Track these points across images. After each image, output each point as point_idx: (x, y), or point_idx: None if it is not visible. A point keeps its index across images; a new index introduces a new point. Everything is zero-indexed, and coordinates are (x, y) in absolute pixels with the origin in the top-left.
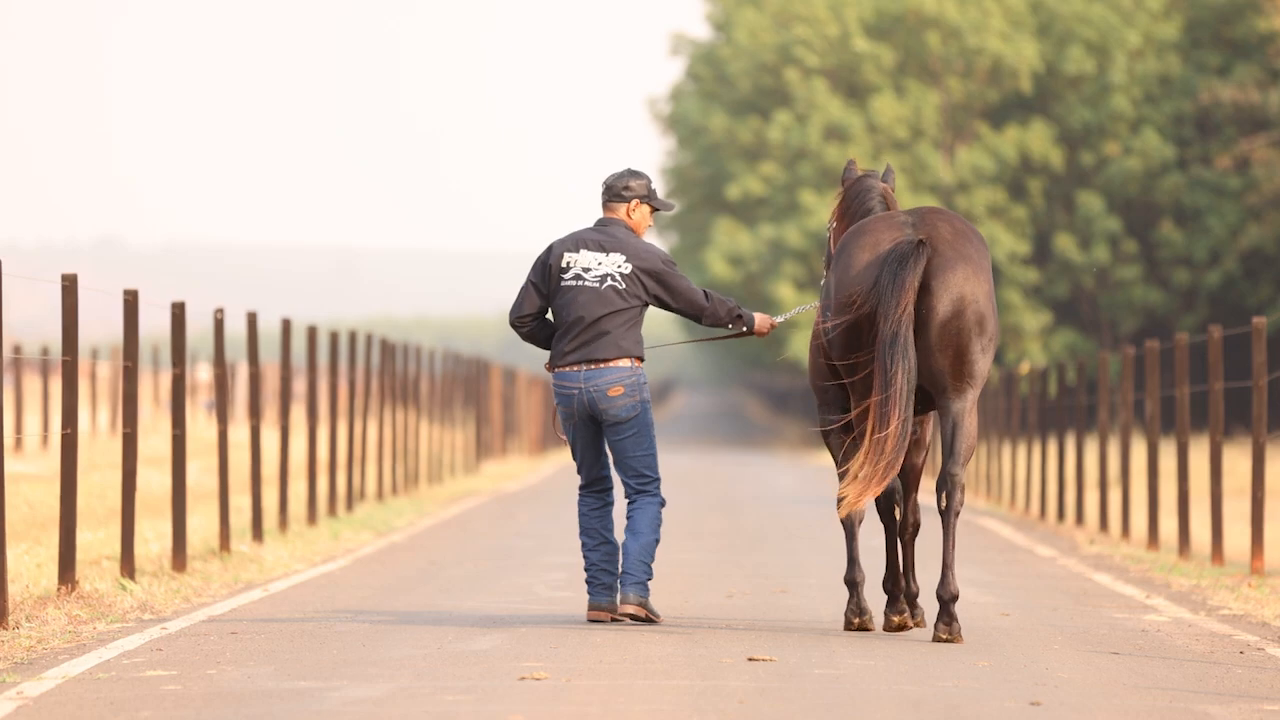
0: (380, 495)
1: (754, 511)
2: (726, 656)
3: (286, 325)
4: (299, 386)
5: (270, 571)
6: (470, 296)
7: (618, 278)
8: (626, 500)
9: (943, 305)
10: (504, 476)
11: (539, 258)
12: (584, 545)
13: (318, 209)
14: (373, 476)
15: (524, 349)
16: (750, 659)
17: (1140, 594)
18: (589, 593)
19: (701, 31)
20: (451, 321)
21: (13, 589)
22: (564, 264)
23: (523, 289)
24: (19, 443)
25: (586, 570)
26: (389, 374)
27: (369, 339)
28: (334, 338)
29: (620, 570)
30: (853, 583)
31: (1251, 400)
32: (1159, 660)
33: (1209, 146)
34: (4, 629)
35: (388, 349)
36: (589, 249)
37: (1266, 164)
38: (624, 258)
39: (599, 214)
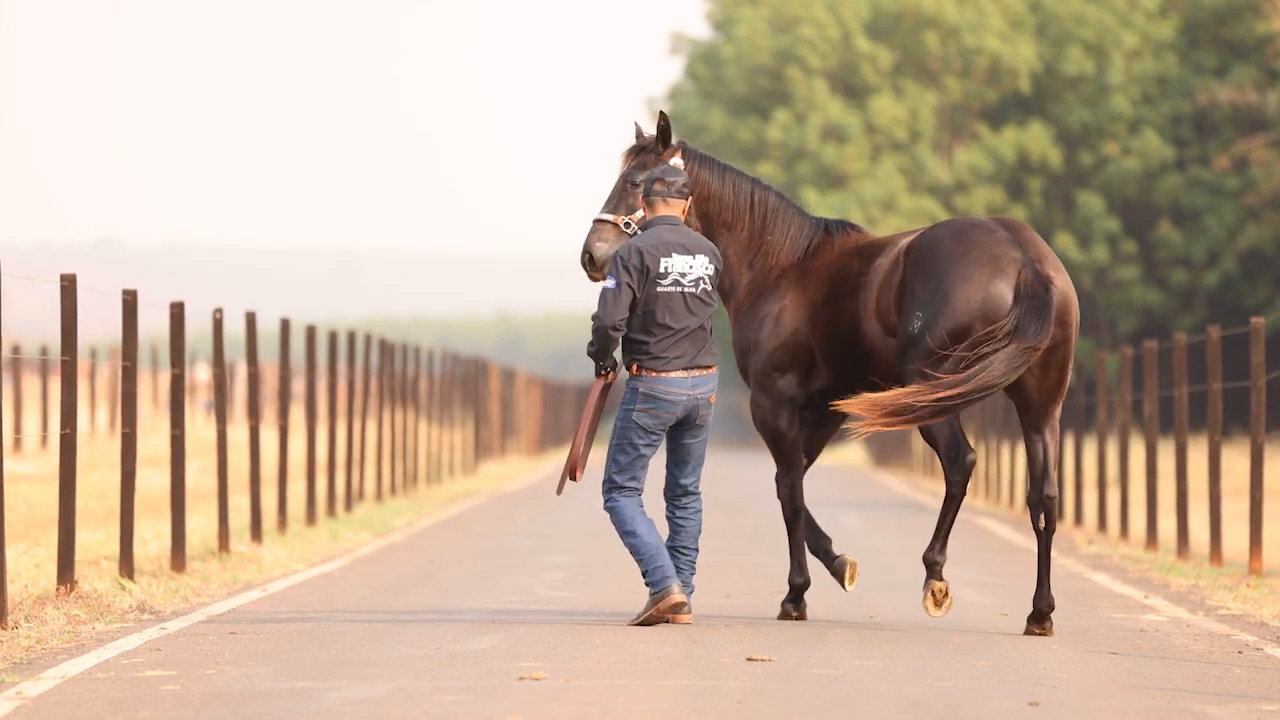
0: (379, 495)
1: (753, 511)
2: (725, 656)
3: (285, 325)
4: (298, 386)
5: (269, 571)
6: (469, 297)
7: (707, 280)
8: (674, 500)
9: (1056, 334)
10: (503, 477)
11: (628, 262)
12: (650, 539)
13: (317, 209)
14: (371, 477)
15: (522, 349)
16: (749, 659)
17: (1139, 594)
18: (669, 574)
19: (701, 31)
20: (450, 322)
21: (12, 589)
22: (661, 269)
23: (615, 291)
24: (18, 443)
25: (664, 564)
26: (388, 374)
27: (368, 339)
28: (333, 338)
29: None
30: (806, 585)
31: (1250, 400)
32: (1157, 660)
33: (1207, 147)
34: (3, 629)
35: (387, 349)
36: (678, 253)
37: (1264, 164)
38: (706, 259)
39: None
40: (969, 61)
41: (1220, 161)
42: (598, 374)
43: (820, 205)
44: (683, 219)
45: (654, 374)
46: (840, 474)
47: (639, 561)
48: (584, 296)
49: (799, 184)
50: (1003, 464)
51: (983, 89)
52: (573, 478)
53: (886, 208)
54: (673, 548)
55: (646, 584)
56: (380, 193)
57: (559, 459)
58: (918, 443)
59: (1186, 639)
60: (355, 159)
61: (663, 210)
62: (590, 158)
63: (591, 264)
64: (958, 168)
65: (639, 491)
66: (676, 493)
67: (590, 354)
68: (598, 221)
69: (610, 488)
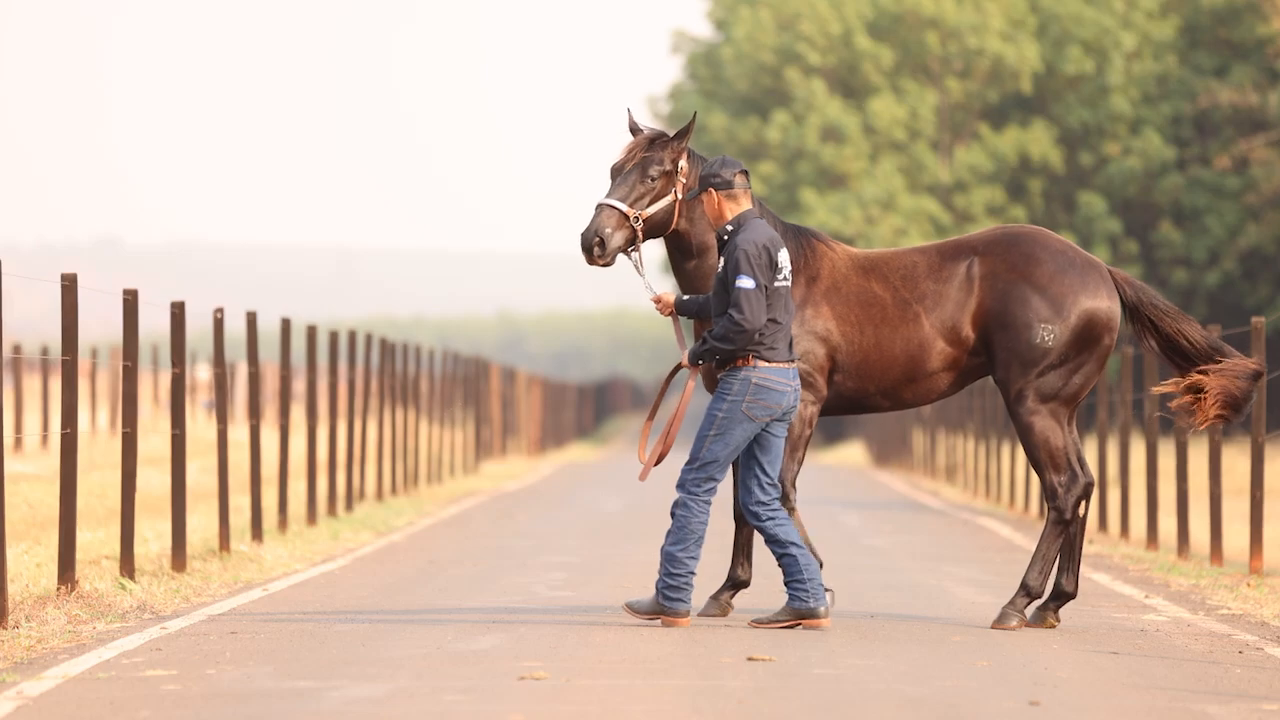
0: (380, 495)
1: None
2: (726, 656)
3: (286, 325)
4: (298, 386)
5: (270, 571)
6: (469, 297)
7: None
8: (762, 505)
9: None
10: (503, 476)
11: (759, 261)
12: (693, 563)
13: (317, 209)
14: (372, 476)
15: (522, 349)
16: (749, 658)
17: (1139, 594)
18: (686, 599)
19: (703, 29)
20: (450, 321)
21: (12, 589)
22: (779, 265)
23: (755, 293)
24: (19, 443)
25: (688, 585)
26: (388, 374)
27: (368, 339)
28: (333, 337)
29: (817, 579)
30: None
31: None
32: (1158, 660)
33: (1208, 147)
34: (4, 629)
35: (387, 349)
36: (781, 246)
37: (1265, 164)
38: (786, 251)
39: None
40: (970, 62)
41: (1221, 161)
42: (694, 363)
43: (819, 205)
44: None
45: (767, 364)
46: (840, 473)
47: (671, 571)
48: (584, 296)
49: (798, 184)
50: (1003, 464)
51: (984, 89)
52: (656, 463)
53: (886, 207)
54: (792, 548)
55: (663, 591)
56: (380, 193)
57: (559, 459)
58: (918, 443)
59: (1187, 639)
60: (355, 159)
61: (746, 203)
62: (591, 158)
63: (601, 248)
64: (958, 167)
65: (715, 492)
66: (770, 494)
67: (723, 351)
68: (607, 207)
69: (702, 479)
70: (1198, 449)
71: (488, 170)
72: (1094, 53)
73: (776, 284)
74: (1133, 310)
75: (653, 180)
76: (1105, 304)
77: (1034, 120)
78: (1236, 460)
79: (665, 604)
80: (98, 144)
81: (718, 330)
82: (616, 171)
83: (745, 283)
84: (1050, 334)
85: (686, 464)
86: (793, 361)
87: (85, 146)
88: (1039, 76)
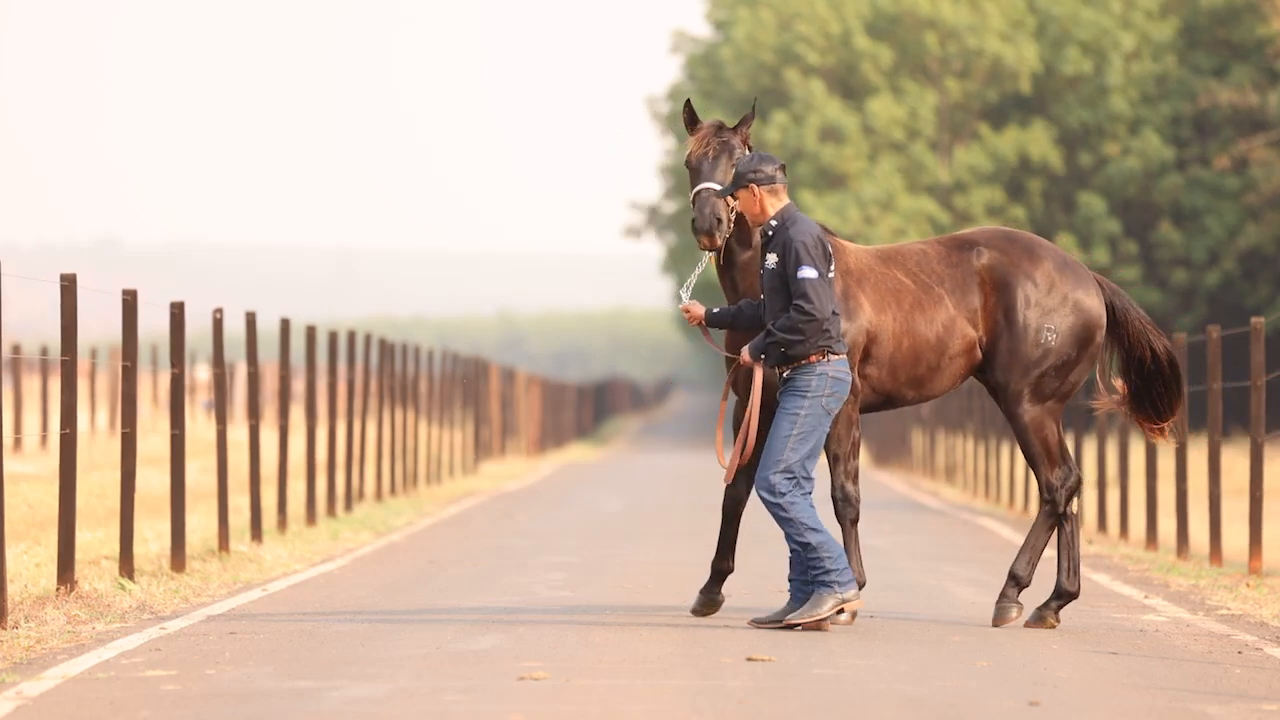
0: (379, 495)
1: (753, 511)
2: (725, 656)
3: (285, 325)
4: (298, 386)
5: (269, 571)
6: (469, 297)
7: None
8: (806, 495)
9: None
10: (503, 476)
11: (816, 251)
12: (834, 537)
13: (317, 209)
14: (371, 476)
15: (522, 349)
16: (749, 659)
17: (1139, 594)
18: (851, 576)
19: (703, 29)
20: (450, 322)
21: (12, 589)
22: (830, 255)
23: (820, 282)
24: (18, 443)
25: (841, 554)
26: (388, 374)
27: (368, 339)
28: (333, 338)
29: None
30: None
31: (1250, 400)
32: (1157, 660)
33: (1207, 147)
34: (3, 629)
35: (386, 349)
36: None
37: (1264, 164)
38: None
39: (596, 215)
40: (969, 62)
41: (1220, 162)
42: (755, 358)
43: (818, 206)
44: None
45: (837, 356)
46: None
47: (826, 560)
48: (584, 296)
49: (797, 184)
50: (1002, 464)
51: (983, 89)
52: (740, 464)
53: (885, 207)
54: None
55: (828, 581)
56: (380, 193)
57: (559, 459)
58: (917, 443)
59: (1186, 639)
60: (355, 159)
61: (785, 198)
62: (591, 157)
63: (720, 226)
64: (957, 168)
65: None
66: (809, 487)
67: (790, 344)
68: (711, 193)
69: (794, 478)
70: (1197, 449)
71: (488, 170)
72: (1093, 53)
73: (830, 274)
74: (1108, 311)
75: (733, 166)
76: (1097, 303)
77: (1033, 120)
78: (1236, 460)
79: (840, 591)
80: (98, 144)
81: (784, 322)
82: (699, 161)
83: (808, 272)
84: (1052, 335)
85: (767, 468)
86: (845, 352)
87: (85, 146)
88: (1038, 77)
